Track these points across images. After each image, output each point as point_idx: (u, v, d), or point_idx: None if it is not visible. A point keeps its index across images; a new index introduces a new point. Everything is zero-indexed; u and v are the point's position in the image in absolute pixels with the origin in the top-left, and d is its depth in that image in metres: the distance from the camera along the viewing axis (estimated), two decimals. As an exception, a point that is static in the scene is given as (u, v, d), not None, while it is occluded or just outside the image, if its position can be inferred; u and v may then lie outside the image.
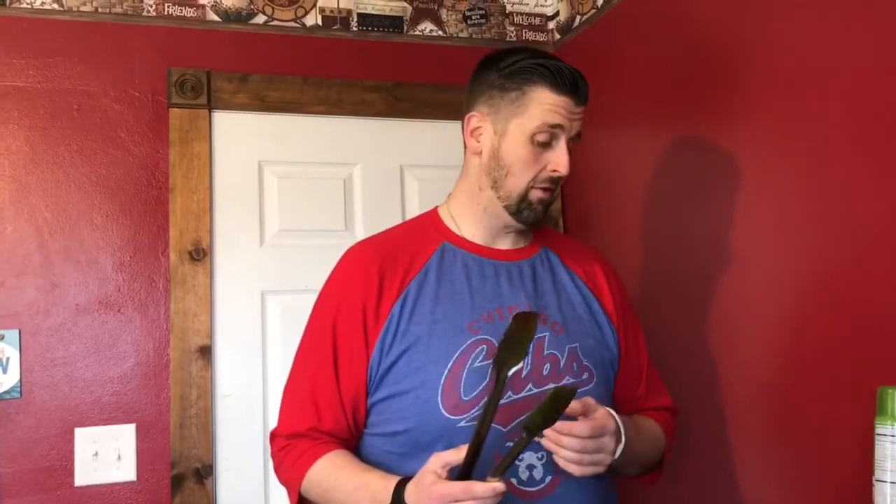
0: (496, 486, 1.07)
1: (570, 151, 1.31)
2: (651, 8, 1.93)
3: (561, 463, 1.19)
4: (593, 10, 2.16)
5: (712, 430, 1.69)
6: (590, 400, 1.21)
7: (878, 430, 1.14)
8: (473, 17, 2.33)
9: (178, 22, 2.07)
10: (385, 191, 2.22)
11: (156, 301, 2.00)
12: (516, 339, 1.19)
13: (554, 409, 1.14)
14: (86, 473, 1.90)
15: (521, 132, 1.30)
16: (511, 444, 1.23)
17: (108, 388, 1.94)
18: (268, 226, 2.13)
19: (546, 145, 1.30)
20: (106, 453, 1.92)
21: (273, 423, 2.02)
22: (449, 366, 1.27)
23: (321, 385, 1.32)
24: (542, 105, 1.28)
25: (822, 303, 1.42)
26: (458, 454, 1.11)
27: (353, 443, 1.35)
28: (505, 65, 1.32)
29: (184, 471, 1.96)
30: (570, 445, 1.18)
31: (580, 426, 1.18)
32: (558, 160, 1.30)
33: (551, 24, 2.38)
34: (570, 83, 1.29)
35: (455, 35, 2.30)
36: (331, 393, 1.31)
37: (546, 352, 1.31)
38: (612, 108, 2.10)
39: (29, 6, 1.96)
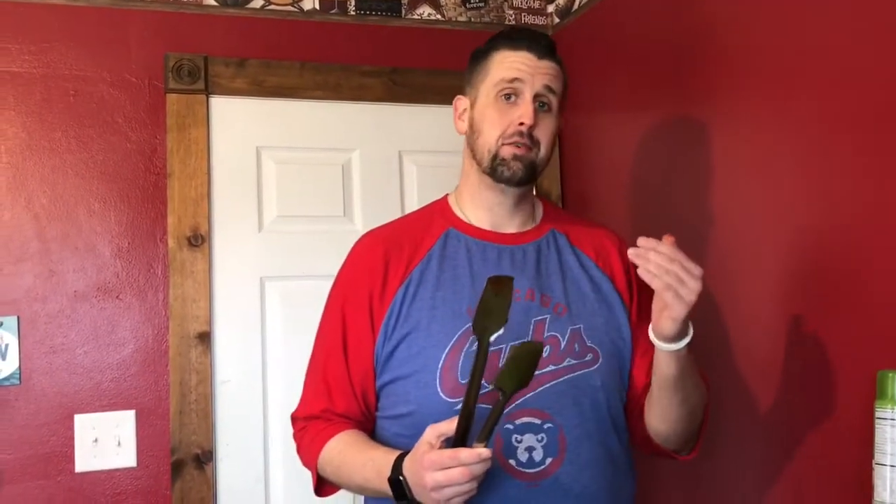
0: (481, 451, 1.09)
1: (551, 109, 1.35)
2: (651, -9, 1.92)
3: (646, 277, 1.18)
4: (593, -6, 2.15)
5: (711, 415, 1.69)
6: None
7: (878, 414, 1.14)
8: (472, 1, 2.31)
9: (175, 6, 2.05)
10: (384, 176, 2.21)
11: (154, 287, 1.99)
12: (493, 304, 1.21)
13: (526, 364, 1.17)
14: (86, 460, 1.90)
15: (486, 94, 1.36)
16: (512, 426, 1.25)
17: (108, 375, 1.94)
18: (266, 212, 2.12)
19: (511, 102, 1.34)
20: (106, 439, 1.92)
21: (272, 408, 2.06)
22: (447, 349, 1.29)
23: (332, 368, 1.37)
24: (501, 63, 1.35)
25: (821, 286, 1.42)
26: (450, 424, 1.13)
27: (369, 426, 1.39)
28: (479, 48, 1.42)
29: (184, 457, 1.96)
30: (656, 259, 1.17)
31: (665, 245, 1.18)
32: (522, 111, 1.33)
33: (550, 8, 2.37)
34: (525, 37, 1.35)
35: (454, 19, 2.28)
36: (341, 375, 1.36)
37: (546, 334, 1.32)
38: (611, 91, 2.09)
39: (24, -9, 1.94)
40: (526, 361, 1.17)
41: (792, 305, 1.49)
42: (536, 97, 1.33)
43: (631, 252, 1.19)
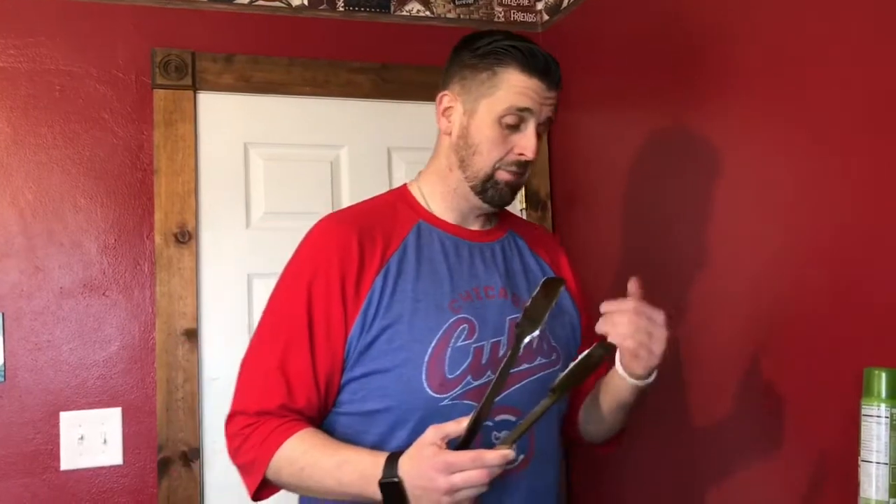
0: (507, 452, 1.08)
1: (540, 136, 1.31)
2: (640, -12, 1.92)
3: (618, 341, 1.20)
4: (582, -9, 2.15)
5: (698, 412, 1.70)
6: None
7: (864, 411, 1.15)
8: (461, -2, 2.31)
9: (163, 2, 2.04)
10: (372, 173, 2.21)
11: (141, 284, 1.98)
12: (538, 306, 1.22)
13: (584, 370, 1.17)
14: (71, 457, 1.89)
15: (490, 113, 1.29)
16: (491, 423, 1.25)
17: (94, 372, 1.93)
18: (254, 208, 2.11)
19: (514, 128, 1.29)
20: (92, 437, 1.91)
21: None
22: (433, 344, 1.26)
23: (294, 360, 1.26)
24: (512, 87, 1.28)
25: (807, 284, 1.42)
26: (458, 426, 1.11)
27: (320, 422, 1.30)
28: (479, 45, 1.32)
29: (171, 455, 1.95)
30: (622, 320, 1.19)
31: (628, 302, 1.20)
32: (526, 144, 1.29)
33: (539, 5, 2.37)
34: (541, 66, 1.28)
35: (442, 15, 2.28)
36: (304, 368, 1.26)
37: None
38: (601, 89, 2.09)
39: (9, -15, 1.93)
40: (588, 367, 1.18)
41: (780, 303, 1.49)
42: (537, 126, 1.30)
43: (599, 325, 1.21)
